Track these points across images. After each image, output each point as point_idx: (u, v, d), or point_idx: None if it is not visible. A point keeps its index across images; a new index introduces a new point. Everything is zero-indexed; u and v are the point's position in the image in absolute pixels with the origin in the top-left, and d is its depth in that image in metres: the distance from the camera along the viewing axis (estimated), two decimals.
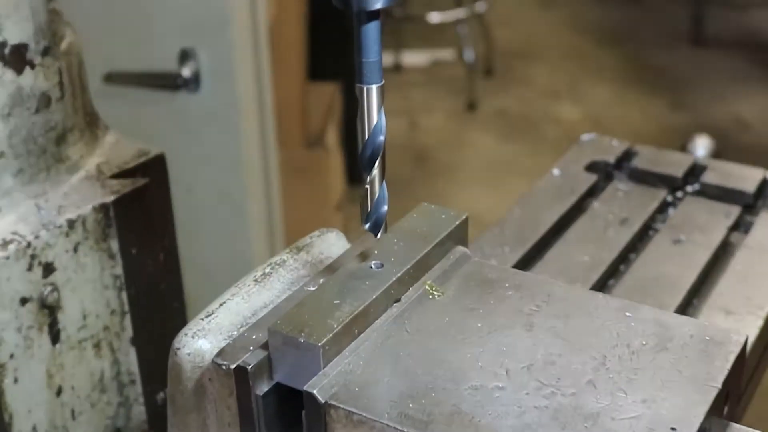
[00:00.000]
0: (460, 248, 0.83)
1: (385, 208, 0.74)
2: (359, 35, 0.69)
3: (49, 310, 0.98)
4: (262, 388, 0.69)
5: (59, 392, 1.01)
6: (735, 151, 3.50)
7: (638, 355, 0.69)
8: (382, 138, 0.71)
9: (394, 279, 0.75)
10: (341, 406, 0.65)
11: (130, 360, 1.07)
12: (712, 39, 4.98)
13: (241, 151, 1.88)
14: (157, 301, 1.10)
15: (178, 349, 0.73)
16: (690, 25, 5.05)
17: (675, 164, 1.13)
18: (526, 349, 0.70)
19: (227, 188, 1.90)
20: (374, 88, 0.70)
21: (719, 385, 0.67)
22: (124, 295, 1.05)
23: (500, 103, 4.50)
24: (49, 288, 0.97)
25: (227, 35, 1.78)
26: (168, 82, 1.81)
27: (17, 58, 0.94)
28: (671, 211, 1.09)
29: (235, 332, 0.74)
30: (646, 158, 1.15)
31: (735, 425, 0.70)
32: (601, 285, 0.95)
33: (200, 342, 0.73)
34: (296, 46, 2.84)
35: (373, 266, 0.76)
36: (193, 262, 1.85)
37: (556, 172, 1.13)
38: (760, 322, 0.87)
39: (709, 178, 1.11)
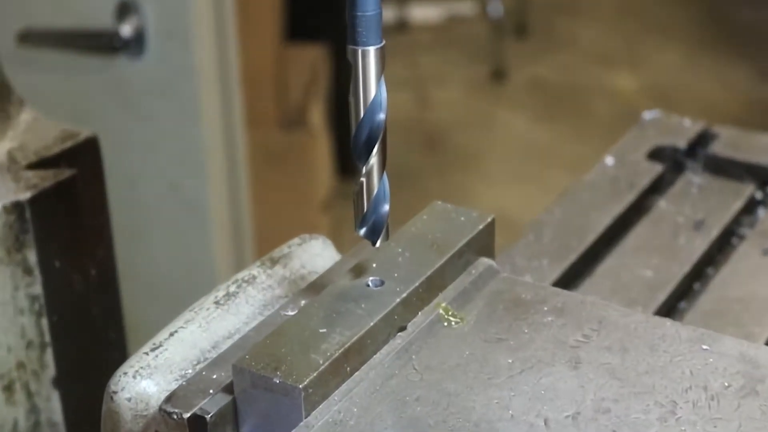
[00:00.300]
0: (485, 260, 0.82)
1: (387, 207, 0.74)
2: None
3: None
4: None
5: None
6: None
7: (719, 401, 0.69)
8: (382, 116, 0.71)
9: (398, 301, 0.74)
10: None
11: (52, 407, 1.07)
12: None
13: (199, 133, 1.87)
14: (87, 330, 1.10)
15: (116, 392, 0.73)
16: None
17: (766, 150, 1.13)
18: (572, 392, 0.70)
19: (181, 181, 1.90)
20: (371, 50, 0.70)
21: None
22: (45, 321, 1.05)
23: (536, 71, 4.50)
24: None
25: None
26: (102, 44, 1.81)
27: None
28: (761, 212, 1.09)
29: (190, 370, 0.74)
30: (728, 142, 1.15)
31: None
32: (669, 308, 0.95)
33: (144, 383, 0.73)
34: None
35: (370, 284, 0.76)
36: (136, 279, 1.85)
37: (609, 161, 1.13)
38: None
39: None
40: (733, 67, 4.45)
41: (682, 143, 1.14)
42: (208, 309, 0.78)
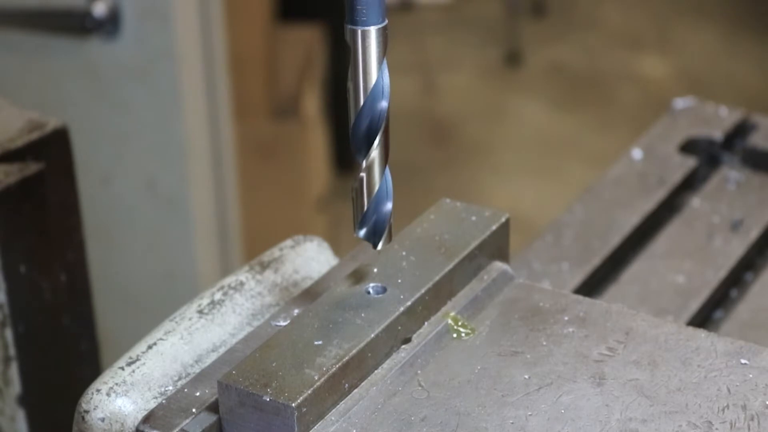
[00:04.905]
0: (498, 264, 0.82)
1: (389, 206, 0.74)
2: None
3: None
4: None
5: None
6: None
7: (759, 421, 0.69)
8: (384, 104, 0.71)
9: (401, 310, 0.74)
10: None
11: (18, 428, 1.07)
12: None
13: (180, 123, 1.87)
14: (56, 342, 1.10)
15: (87, 411, 0.73)
16: None
17: None
18: (595, 411, 0.70)
19: (160, 177, 1.90)
20: (373, 31, 0.70)
21: None
22: (10, 333, 1.05)
23: (555, 55, 4.50)
24: None
25: None
26: (73, 24, 1.81)
27: None
28: None
29: (171, 387, 0.74)
30: None
31: None
32: (704, 318, 0.95)
33: (119, 401, 0.73)
34: None
35: (371, 291, 0.76)
36: (110, 285, 1.85)
37: (636, 154, 1.13)
38: None
39: None
40: None
41: (717, 134, 1.14)
42: (190, 319, 0.78)
